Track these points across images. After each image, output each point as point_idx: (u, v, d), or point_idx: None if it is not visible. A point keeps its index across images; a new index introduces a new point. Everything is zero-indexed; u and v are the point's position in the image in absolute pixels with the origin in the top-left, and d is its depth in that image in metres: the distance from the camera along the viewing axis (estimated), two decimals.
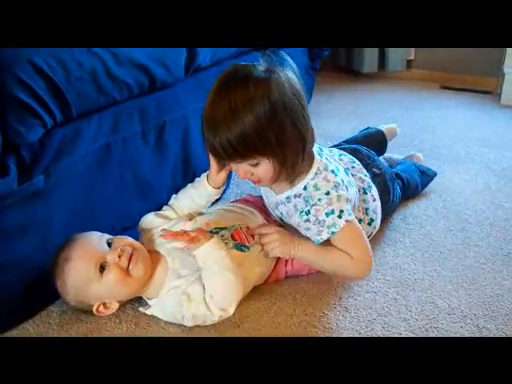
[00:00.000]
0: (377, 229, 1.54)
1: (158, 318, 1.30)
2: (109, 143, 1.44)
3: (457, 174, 2.01)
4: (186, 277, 1.28)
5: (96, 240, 1.30)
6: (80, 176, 1.37)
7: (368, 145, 1.73)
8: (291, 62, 1.27)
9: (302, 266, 1.44)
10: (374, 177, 1.56)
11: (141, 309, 1.31)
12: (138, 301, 1.35)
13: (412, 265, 1.49)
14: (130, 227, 1.51)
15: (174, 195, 1.49)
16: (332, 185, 1.29)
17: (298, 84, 1.23)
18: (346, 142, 1.82)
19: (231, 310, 1.25)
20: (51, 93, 1.21)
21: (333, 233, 1.29)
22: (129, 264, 1.25)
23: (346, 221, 1.29)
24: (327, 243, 1.32)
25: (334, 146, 1.73)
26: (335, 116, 2.62)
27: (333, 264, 1.34)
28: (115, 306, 1.30)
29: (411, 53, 3.12)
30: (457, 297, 1.37)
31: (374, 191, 1.52)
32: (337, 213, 1.28)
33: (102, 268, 1.24)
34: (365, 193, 1.48)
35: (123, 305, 1.34)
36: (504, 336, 1.24)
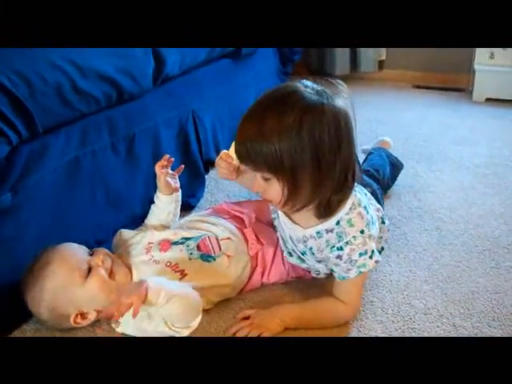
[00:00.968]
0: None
1: None
2: (78, 157, 1.43)
3: (430, 172, 2.03)
4: None
5: (77, 248, 1.30)
6: (49, 191, 1.36)
7: None
8: (346, 90, 1.19)
9: (279, 277, 1.43)
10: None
11: (113, 325, 1.29)
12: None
13: (387, 266, 1.49)
14: (104, 241, 1.49)
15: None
16: (365, 222, 1.24)
17: (343, 119, 1.13)
18: None
19: (195, 325, 1.23)
20: (15, 109, 1.20)
21: (360, 272, 1.24)
22: (111, 269, 1.27)
23: (376, 261, 1.25)
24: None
25: None
26: None
27: (326, 312, 1.30)
28: (93, 315, 1.28)
29: (383, 53, 3.14)
30: (433, 296, 1.37)
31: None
32: (369, 253, 1.24)
33: (85, 272, 1.24)
34: (383, 222, 1.42)
35: (97, 321, 1.32)
36: (479, 334, 1.24)
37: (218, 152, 2.08)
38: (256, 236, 1.43)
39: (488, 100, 2.80)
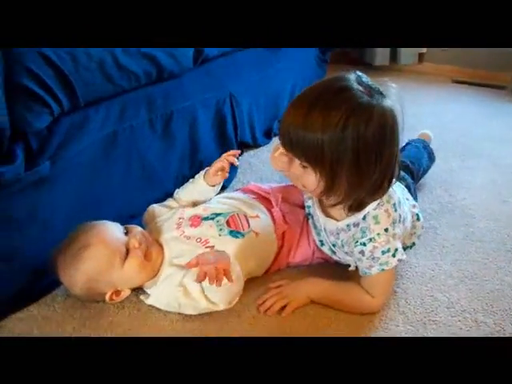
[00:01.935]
0: None
1: None
2: (116, 131, 1.46)
3: (464, 168, 2.01)
4: (179, 266, 1.30)
5: (114, 228, 1.33)
6: (86, 164, 1.40)
7: None
8: (396, 92, 1.18)
9: (304, 257, 1.45)
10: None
11: (141, 297, 1.33)
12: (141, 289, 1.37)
13: (413, 258, 1.49)
14: (136, 215, 1.53)
15: (177, 189, 1.52)
16: (391, 221, 1.23)
17: (390, 125, 1.13)
18: None
19: (234, 302, 1.27)
20: (59, 82, 1.24)
21: (383, 270, 1.25)
22: (147, 249, 1.30)
23: (399, 260, 1.25)
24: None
25: None
26: None
27: (352, 299, 1.31)
28: (127, 292, 1.32)
29: None
30: (457, 291, 1.38)
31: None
32: (392, 251, 1.24)
33: (124, 255, 1.27)
34: (418, 219, 1.43)
35: None
36: (501, 331, 1.25)
37: (252, 135, 2.11)
38: (283, 216, 1.44)
39: None
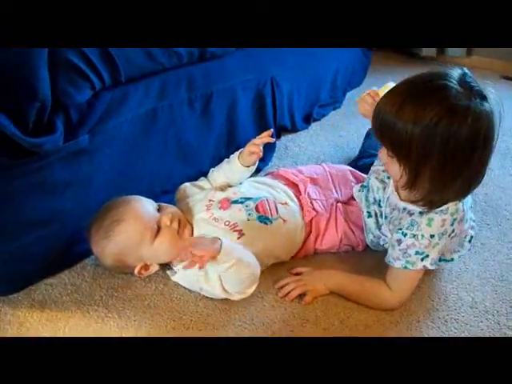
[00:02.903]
0: None
1: None
2: (155, 108, 1.49)
3: (502, 168, 1.98)
4: None
5: (147, 204, 1.35)
6: (124, 138, 1.43)
7: None
8: (495, 95, 1.13)
9: (332, 244, 1.46)
10: None
11: (168, 272, 1.37)
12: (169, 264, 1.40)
13: None
14: (169, 191, 1.56)
15: (212, 169, 1.53)
16: (442, 231, 1.22)
17: (484, 130, 1.09)
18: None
19: (250, 292, 1.28)
20: (102, 57, 1.26)
21: (405, 267, 1.25)
22: (179, 228, 1.33)
23: (424, 266, 1.25)
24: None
25: None
26: None
27: (370, 294, 1.31)
28: (155, 267, 1.36)
29: None
30: (482, 291, 1.37)
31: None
32: (423, 255, 1.24)
33: (155, 232, 1.30)
34: (469, 241, 1.39)
35: None
36: None
37: (291, 119, 2.11)
38: (311, 203, 1.46)
39: None
